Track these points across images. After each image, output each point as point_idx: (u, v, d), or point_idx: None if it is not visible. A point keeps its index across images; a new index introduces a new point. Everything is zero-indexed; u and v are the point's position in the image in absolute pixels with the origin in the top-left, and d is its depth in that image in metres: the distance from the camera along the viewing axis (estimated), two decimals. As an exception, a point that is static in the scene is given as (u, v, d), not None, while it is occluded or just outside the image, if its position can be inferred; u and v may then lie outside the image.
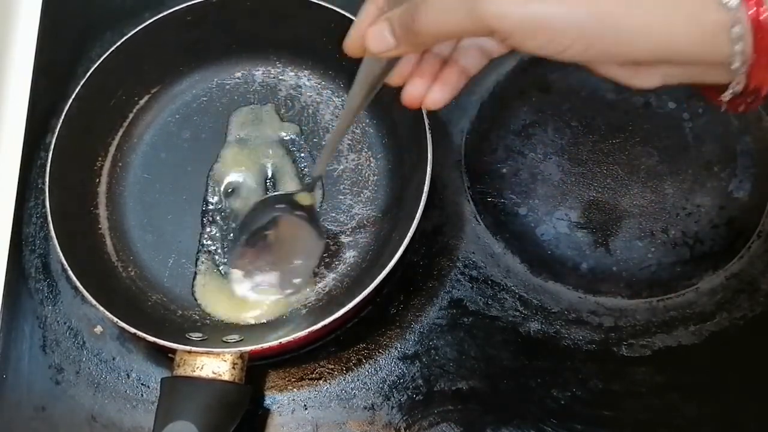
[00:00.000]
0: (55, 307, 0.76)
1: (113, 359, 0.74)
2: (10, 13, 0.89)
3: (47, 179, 0.71)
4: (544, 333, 0.73)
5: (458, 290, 0.75)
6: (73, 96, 0.74)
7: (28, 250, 0.78)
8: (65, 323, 0.75)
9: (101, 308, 0.66)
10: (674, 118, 0.81)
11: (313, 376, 0.73)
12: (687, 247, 0.76)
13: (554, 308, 0.74)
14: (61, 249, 0.68)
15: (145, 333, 0.66)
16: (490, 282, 0.75)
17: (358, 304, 0.66)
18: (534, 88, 0.83)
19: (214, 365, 0.65)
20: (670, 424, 0.70)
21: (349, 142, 0.80)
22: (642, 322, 0.73)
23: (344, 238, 0.76)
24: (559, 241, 0.77)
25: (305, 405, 0.72)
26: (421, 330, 0.74)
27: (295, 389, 0.72)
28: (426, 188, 0.69)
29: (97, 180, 0.79)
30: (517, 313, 0.74)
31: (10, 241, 0.78)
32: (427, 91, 0.58)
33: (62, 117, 0.73)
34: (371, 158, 0.79)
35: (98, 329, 0.75)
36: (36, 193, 0.81)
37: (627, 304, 0.74)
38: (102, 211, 0.78)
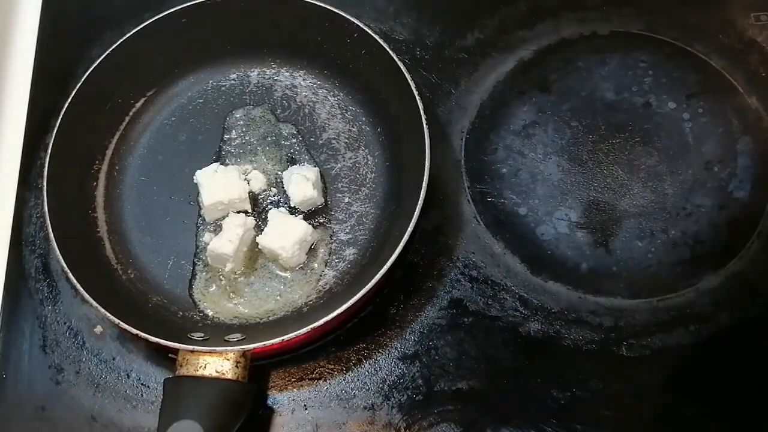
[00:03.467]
0: (55, 307, 0.76)
1: (113, 359, 0.74)
2: (10, 13, 0.89)
3: (45, 183, 0.71)
4: (544, 333, 0.73)
5: (458, 290, 0.75)
6: (68, 100, 0.74)
7: (28, 250, 0.78)
8: (65, 323, 0.75)
9: (103, 311, 0.66)
10: (674, 118, 0.81)
11: (313, 376, 0.72)
12: (687, 247, 0.76)
13: (554, 308, 0.74)
14: (60, 252, 0.68)
15: (148, 334, 0.66)
16: (490, 282, 0.75)
17: (359, 300, 0.66)
18: (534, 88, 0.83)
19: (217, 364, 0.65)
20: (670, 424, 0.70)
21: (346, 140, 0.80)
22: (642, 322, 0.73)
23: (343, 236, 0.76)
24: (559, 241, 0.77)
25: (305, 405, 0.72)
26: (421, 330, 0.74)
27: (295, 389, 0.72)
28: (425, 183, 0.69)
29: (95, 183, 0.79)
30: (517, 313, 0.74)
31: (10, 241, 0.79)
32: None
33: (59, 121, 0.74)
34: (368, 156, 0.79)
35: (98, 329, 0.75)
36: (36, 193, 0.81)
37: (627, 304, 0.74)
38: (100, 214, 0.78)
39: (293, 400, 0.72)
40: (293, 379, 0.72)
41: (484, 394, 0.71)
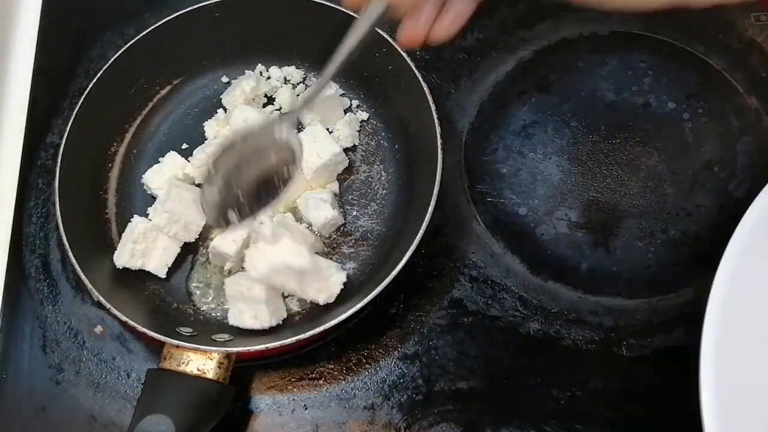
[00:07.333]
0: (55, 307, 0.76)
1: (113, 359, 0.74)
2: (10, 13, 0.90)
3: (59, 158, 0.72)
4: (544, 333, 0.73)
5: (458, 290, 0.75)
6: (94, 79, 0.75)
7: (28, 250, 0.78)
8: (65, 323, 0.75)
9: (96, 292, 0.67)
10: (674, 118, 0.81)
11: (313, 376, 0.72)
12: (687, 247, 0.76)
13: (554, 308, 0.74)
14: (64, 229, 0.69)
15: (136, 322, 0.66)
16: (490, 282, 0.75)
17: (346, 318, 0.66)
18: (534, 88, 0.83)
19: (200, 362, 0.65)
20: (670, 424, 0.70)
21: (363, 153, 0.80)
22: (642, 322, 0.73)
23: (346, 249, 0.76)
24: (559, 241, 0.77)
25: (305, 405, 0.72)
26: (421, 330, 0.74)
27: (295, 389, 0.72)
28: (431, 209, 0.69)
29: (110, 165, 0.79)
30: (517, 313, 0.74)
31: (10, 241, 0.79)
32: (430, 26, 0.56)
33: (81, 98, 0.74)
34: (382, 172, 0.79)
35: (98, 329, 0.75)
36: (36, 193, 0.81)
37: (627, 304, 0.74)
38: (111, 196, 0.78)
39: (293, 400, 0.72)
40: (293, 379, 0.72)
41: (484, 394, 0.71)
